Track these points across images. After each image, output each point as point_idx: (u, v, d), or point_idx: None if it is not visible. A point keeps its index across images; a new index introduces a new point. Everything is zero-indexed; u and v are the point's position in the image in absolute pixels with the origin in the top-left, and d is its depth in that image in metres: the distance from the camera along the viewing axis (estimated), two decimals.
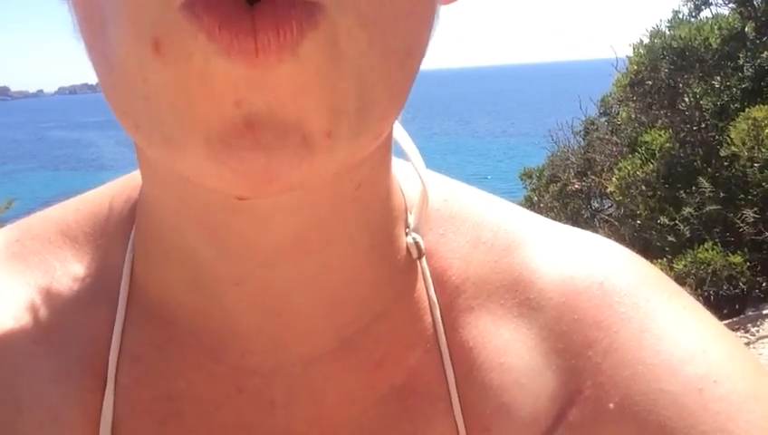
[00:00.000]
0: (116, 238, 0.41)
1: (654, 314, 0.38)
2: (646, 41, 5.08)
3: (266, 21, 0.24)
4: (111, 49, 0.27)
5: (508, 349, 0.38)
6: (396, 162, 0.41)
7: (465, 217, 0.42)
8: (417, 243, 0.39)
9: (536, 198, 6.00)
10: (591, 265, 0.40)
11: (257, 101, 0.25)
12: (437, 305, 0.39)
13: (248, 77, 0.25)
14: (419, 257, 0.40)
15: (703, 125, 4.87)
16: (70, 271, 0.40)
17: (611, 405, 0.36)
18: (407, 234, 0.40)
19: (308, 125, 0.26)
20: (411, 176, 0.42)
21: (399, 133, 0.41)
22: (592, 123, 6.14)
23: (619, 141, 5.47)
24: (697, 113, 4.86)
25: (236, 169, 0.26)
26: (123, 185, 0.43)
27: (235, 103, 0.25)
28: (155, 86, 0.26)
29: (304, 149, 0.26)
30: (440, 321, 0.39)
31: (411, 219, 0.40)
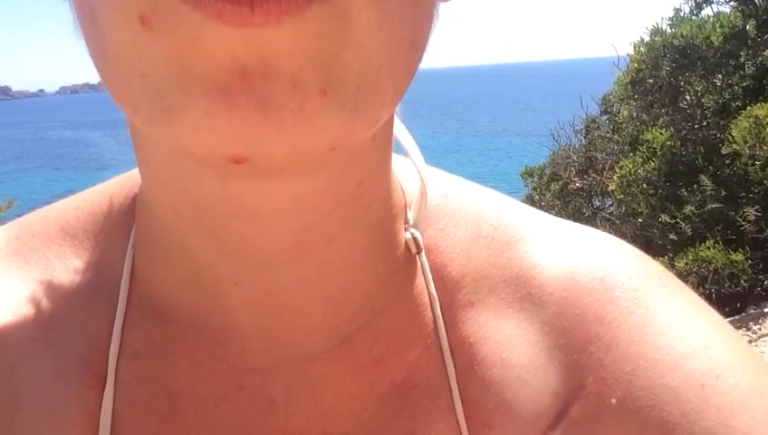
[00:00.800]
0: (116, 236, 0.41)
1: (656, 309, 0.38)
2: (647, 39, 5.07)
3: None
4: (104, 36, 0.27)
5: (509, 344, 0.38)
6: (395, 158, 0.41)
7: (465, 213, 0.42)
8: (415, 238, 0.39)
9: (537, 197, 6.00)
10: (592, 260, 0.40)
11: (252, 57, 0.25)
12: (438, 301, 0.39)
13: (244, 39, 0.25)
14: (418, 253, 0.39)
15: (704, 123, 4.87)
16: (70, 268, 0.40)
17: (613, 401, 0.36)
18: (406, 229, 0.40)
19: (301, 78, 0.26)
20: (410, 172, 0.42)
21: (399, 129, 0.41)
22: (593, 122, 6.14)
23: (620, 140, 5.46)
24: (699, 111, 4.86)
25: (232, 119, 0.26)
26: (123, 182, 0.43)
27: (232, 60, 0.25)
28: (149, 62, 0.26)
29: (296, 95, 0.26)
30: (440, 316, 0.39)
31: (411, 215, 0.40)
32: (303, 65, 0.25)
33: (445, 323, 0.39)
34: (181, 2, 0.24)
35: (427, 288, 0.40)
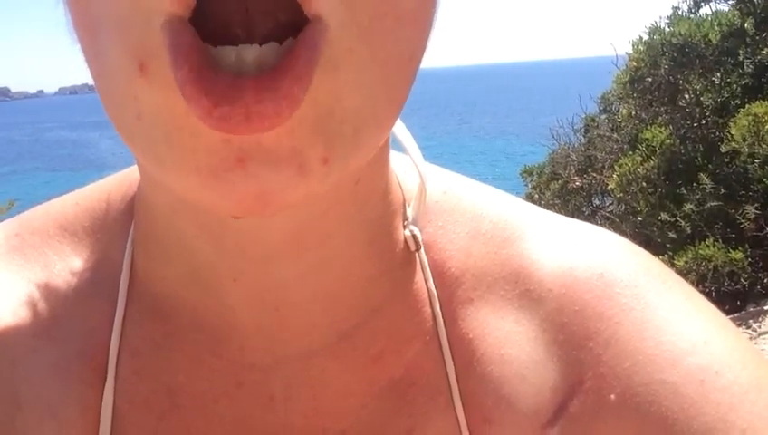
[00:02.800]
0: (115, 233, 0.41)
1: (655, 305, 0.38)
2: (645, 37, 5.07)
3: (258, 98, 0.23)
4: (104, 57, 0.27)
5: (509, 340, 0.38)
6: (394, 155, 0.41)
7: (464, 209, 0.42)
8: (414, 235, 0.39)
9: (537, 196, 5.99)
10: (591, 257, 0.40)
11: (248, 138, 0.25)
12: (437, 297, 0.39)
13: (237, 120, 0.24)
14: (417, 250, 0.39)
15: (703, 121, 4.86)
16: (69, 265, 0.40)
17: (612, 396, 0.36)
18: (405, 227, 0.40)
19: (304, 155, 0.25)
20: (410, 169, 0.42)
21: (398, 127, 0.41)
22: (593, 120, 6.13)
23: (619, 138, 5.46)
24: (698, 110, 4.86)
25: (229, 197, 0.26)
26: (121, 179, 0.43)
27: (224, 141, 0.25)
28: (146, 106, 0.26)
29: (299, 176, 0.26)
30: (440, 313, 0.39)
31: (410, 212, 0.40)
32: (302, 139, 0.25)
33: (444, 320, 0.39)
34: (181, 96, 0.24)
35: (427, 285, 0.40)
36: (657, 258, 0.42)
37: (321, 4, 0.25)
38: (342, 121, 0.26)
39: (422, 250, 0.40)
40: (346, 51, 0.25)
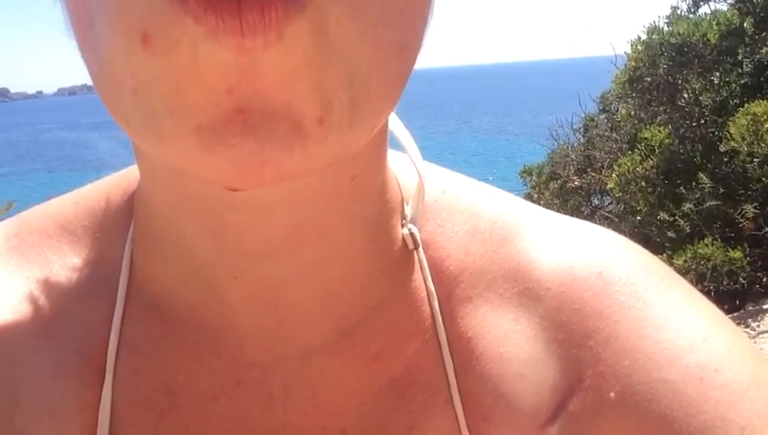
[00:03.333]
0: (114, 232, 0.41)
1: (654, 303, 0.38)
2: (644, 37, 5.07)
3: (251, 3, 0.24)
4: (100, 44, 0.27)
5: (508, 339, 0.38)
6: (393, 154, 0.41)
7: (462, 208, 0.42)
8: (412, 234, 0.39)
9: (536, 196, 5.99)
10: (590, 255, 0.40)
11: (247, 88, 0.25)
12: (435, 296, 0.39)
13: (237, 64, 0.25)
14: (415, 248, 0.39)
15: (702, 121, 4.87)
16: (68, 264, 0.40)
17: (612, 395, 0.36)
18: (403, 225, 0.40)
19: (298, 111, 0.26)
20: (408, 167, 0.42)
21: (396, 125, 0.41)
22: (592, 120, 6.14)
23: (618, 138, 5.47)
24: (696, 109, 4.86)
25: (227, 157, 0.26)
26: (120, 179, 0.43)
27: (227, 90, 0.25)
28: (143, 79, 0.26)
29: (295, 134, 0.26)
30: (438, 311, 0.39)
31: (408, 210, 0.40)
32: (297, 93, 0.25)
33: (443, 318, 0.39)
34: (184, 15, 0.24)
35: (425, 283, 0.40)
36: (655, 257, 0.42)
37: None
38: (337, 85, 0.26)
39: (420, 249, 0.40)
40: (334, 20, 0.25)
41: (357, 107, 0.27)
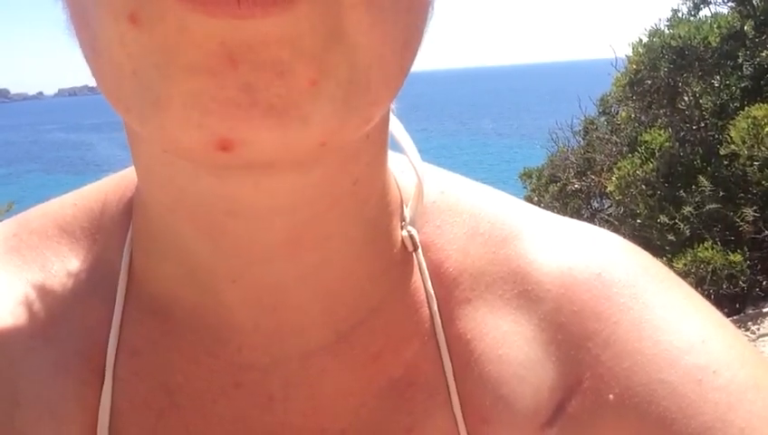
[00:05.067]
0: (113, 234, 0.41)
1: (653, 305, 0.38)
2: (645, 40, 5.08)
3: None
4: (95, 35, 0.27)
5: (507, 340, 0.38)
6: (392, 156, 0.41)
7: (461, 209, 0.42)
8: (411, 236, 0.39)
9: (536, 199, 5.99)
10: (589, 256, 0.40)
11: (241, 41, 0.25)
12: (434, 297, 0.39)
13: (231, 26, 0.24)
14: (414, 250, 0.39)
15: (702, 124, 4.87)
16: (67, 265, 0.40)
17: (611, 396, 0.36)
18: (402, 227, 0.40)
19: (291, 66, 0.25)
20: (407, 169, 0.42)
21: (395, 127, 0.41)
22: (592, 123, 6.14)
23: (618, 141, 5.47)
24: (697, 112, 4.86)
25: (218, 99, 0.25)
26: (119, 180, 0.43)
27: (219, 44, 0.25)
28: (138, 57, 0.26)
29: (286, 84, 0.25)
30: (437, 313, 0.39)
31: (407, 212, 0.40)
32: (293, 54, 0.25)
33: (442, 320, 0.39)
34: None
35: (424, 285, 0.40)
36: (655, 259, 0.42)
37: None
38: (337, 65, 0.26)
39: (420, 250, 0.40)
40: (348, 6, 0.26)
41: (354, 90, 0.27)
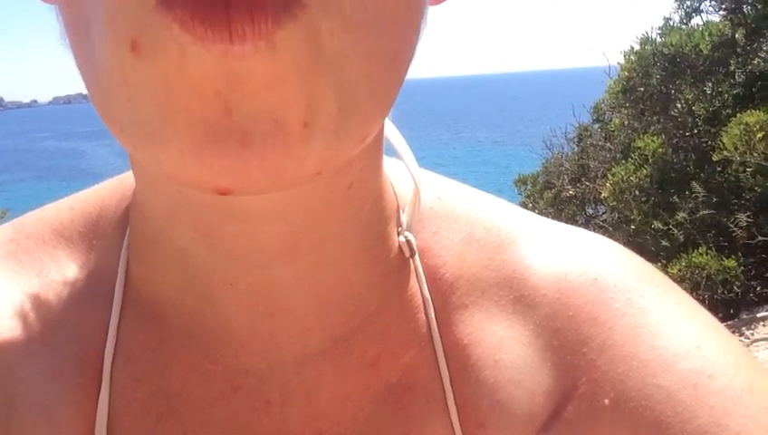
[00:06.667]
0: (110, 238, 0.41)
1: (648, 310, 0.38)
2: (637, 48, 5.11)
3: (241, 11, 0.24)
4: (94, 53, 0.27)
5: (503, 346, 0.38)
6: (389, 162, 0.41)
7: (458, 215, 0.42)
8: (408, 241, 0.39)
9: (531, 205, 6.01)
10: (585, 262, 0.40)
11: (235, 91, 0.25)
12: (431, 303, 0.39)
13: (225, 70, 0.25)
14: (411, 256, 0.40)
15: (695, 130, 4.90)
16: (64, 271, 0.40)
17: (606, 401, 0.36)
18: (399, 233, 0.40)
19: (283, 112, 0.26)
20: (404, 175, 0.42)
21: (391, 133, 0.41)
22: (586, 130, 6.17)
23: (612, 147, 5.49)
24: (690, 119, 4.89)
25: (215, 153, 0.26)
26: (116, 184, 0.43)
27: (216, 93, 0.25)
28: (135, 86, 0.26)
29: (278, 131, 0.26)
30: (434, 319, 0.39)
31: (404, 218, 0.40)
32: (284, 97, 0.26)
33: (438, 326, 0.39)
34: (172, 21, 0.24)
35: (421, 291, 0.40)
36: (650, 264, 0.42)
37: None
38: (325, 96, 0.26)
39: (416, 256, 0.40)
40: (327, 32, 0.26)
41: (345, 116, 0.27)
